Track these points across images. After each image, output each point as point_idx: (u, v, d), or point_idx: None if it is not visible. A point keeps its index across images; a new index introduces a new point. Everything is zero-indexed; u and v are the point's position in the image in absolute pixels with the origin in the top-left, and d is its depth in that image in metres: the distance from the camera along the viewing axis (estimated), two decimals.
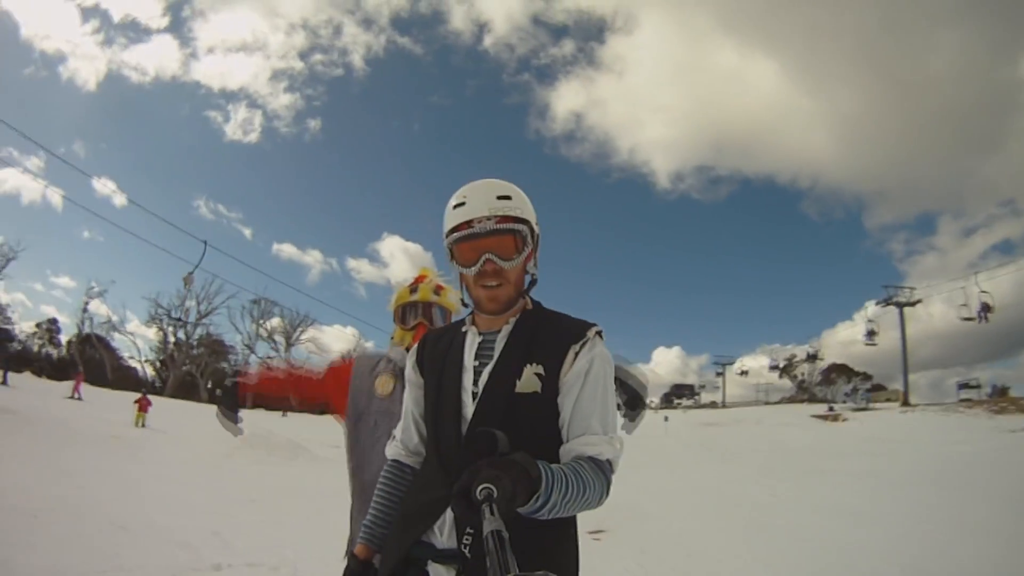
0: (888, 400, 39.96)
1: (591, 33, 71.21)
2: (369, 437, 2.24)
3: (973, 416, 25.10)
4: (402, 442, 1.58)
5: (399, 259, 65.59)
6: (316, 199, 77.69)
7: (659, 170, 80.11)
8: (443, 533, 1.31)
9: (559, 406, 1.34)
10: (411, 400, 1.58)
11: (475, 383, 1.39)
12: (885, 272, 67.97)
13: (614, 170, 71.58)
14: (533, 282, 1.46)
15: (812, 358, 52.84)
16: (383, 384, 2.26)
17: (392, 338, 2.41)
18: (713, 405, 57.25)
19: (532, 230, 1.41)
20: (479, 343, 1.44)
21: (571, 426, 1.32)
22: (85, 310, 52.51)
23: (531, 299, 1.50)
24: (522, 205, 1.40)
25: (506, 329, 1.42)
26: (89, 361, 49.06)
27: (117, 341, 55.14)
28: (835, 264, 71.17)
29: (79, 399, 24.73)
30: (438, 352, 1.51)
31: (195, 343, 55.99)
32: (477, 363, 1.41)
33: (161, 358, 55.28)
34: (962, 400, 33.18)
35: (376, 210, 79.48)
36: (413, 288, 2.36)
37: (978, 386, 36.71)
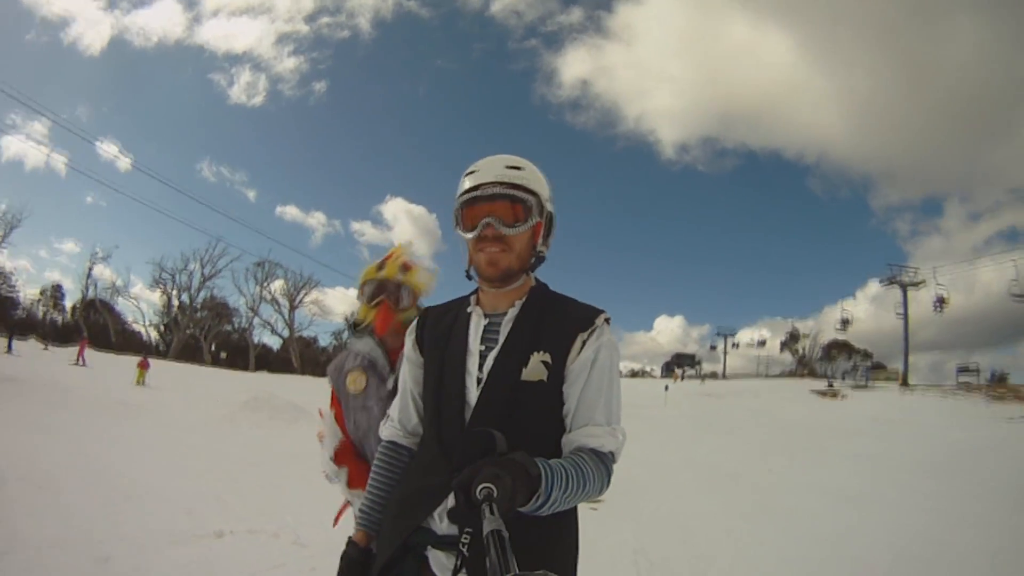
0: (887, 379, 40.03)
1: (600, 1, 69.93)
2: (356, 436, 2.22)
3: (971, 402, 25.06)
4: (399, 422, 1.55)
5: (403, 221, 65.67)
6: (320, 162, 77.46)
7: (665, 140, 79.13)
8: (442, 519, 1.30)
9: (564, 395, 1.33)
10: (410, 378, 1.54)
11: (480, 368, 1.36)
12: (889, 251, 67.14)
13: (620, 138, 70.99)
14: (540, 259, 1.43)
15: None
16: (354, 381, 2.22)
17: (357, 326, 2.37)
18: (713, 376, 57.42)
19: (541, 205, 1.38)
20: (485, 326, 1.41)
21: (575, 416, 1.32)
22: (89, 275, 53.08)
23: (537, 280, 1.48)
24: (532, 178, 1.39)
25: (512, 312, 1.40)
26: (93, 326, 49.54)
27: (121, 306, 55.71)
28: (839, 241, 70.92)
29: (84, 365, 24.98)
30: (440, 331, 1.48)
31: (199, 306, 56.29)
32: (483, 347, 1.39)
33: (165, 322, 55.74)
34: (960, 383, 33.28)
35: (380, 173, 79.62)
36: (380, 265, 2.30)
37: (977, 371, 36.79)
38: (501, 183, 1.35)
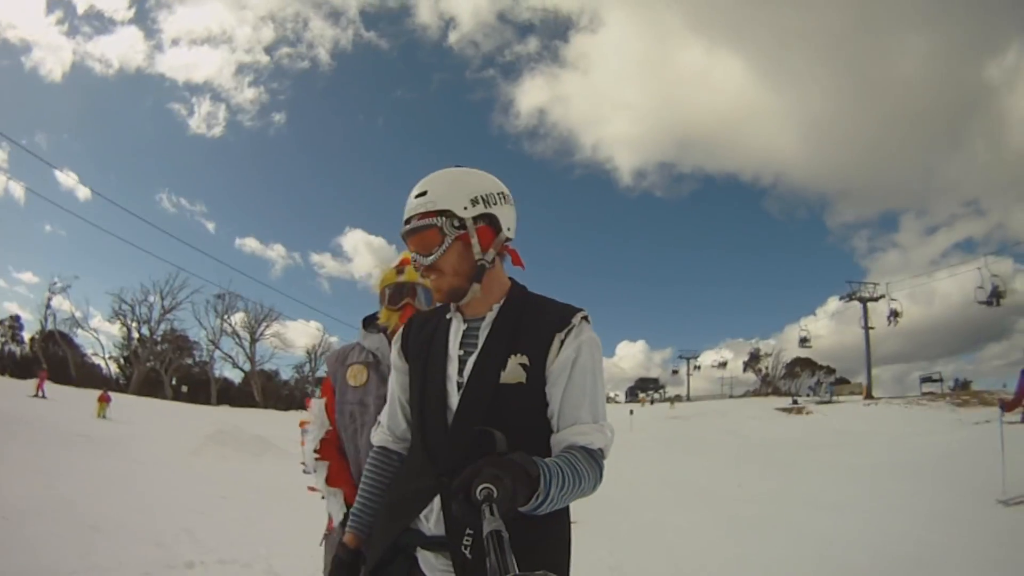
0: (852, 393, 40.84)
1: (556, 31, 71.25)
2: (346, 430, 2.18)
3: (936, 409, 25.51)
4: (388, 428, 1.58)
5: (362, 253, 65.09)
6: (280, 193, 76.92)
7: (622, 166, 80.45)
8: (430, 520, 1.33)
9: (547, 396, 1.34)
10: (397, 386, 1.57)
11: (460, 373, 1.38)
12: (847, 268, 69.36)
13: (577, 166, 72.44)
14: (482, 268, 1.39)
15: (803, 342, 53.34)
16: (355, 374, 2.20)
17: (369, 322, 2.35)
18: (678, 399, 57.96)
19: (459, 217, 1.35)
20: (464, 331, 1.43)
21: (561, 416, 1.32)
22: (48, 306, 51.24)
23: (516, 283, 1.49)
24: (440, 195, 1.36)
25: (489, 316, 1.41)
26: (52, 358, 47.83)
27: (80, 338, 53.85)
28: (797, 260, 72.72)
29: (43, 397, 24.18)
30: (423, 338, 1.50)
31: (159, 339, 54.97)
32: (462, 352, 1.41)
33: (125, 355, 54.16)
34: (924, 393, 34.03)
35: (339, 204, 78.95)
36: (400, 269, 2.29)
37: (940, 380, 37.72)
38: (413, 216, 1.37)
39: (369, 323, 2.34)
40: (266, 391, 56.10)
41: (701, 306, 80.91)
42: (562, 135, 75.24)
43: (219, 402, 50.47)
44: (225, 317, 55.85)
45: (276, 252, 69.01)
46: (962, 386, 37.29)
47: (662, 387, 64.23)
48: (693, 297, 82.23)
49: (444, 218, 1.35)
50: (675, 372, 62.01)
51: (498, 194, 1.42)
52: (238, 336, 56.84)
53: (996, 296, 34.56)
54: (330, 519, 2.15)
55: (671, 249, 77.17)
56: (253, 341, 56.72)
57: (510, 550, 0.80)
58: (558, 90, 73.83)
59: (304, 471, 2.22)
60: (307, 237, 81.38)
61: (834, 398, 39.58)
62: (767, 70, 69.51)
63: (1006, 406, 8.40)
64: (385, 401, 2.08)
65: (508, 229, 1.44)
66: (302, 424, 2.27)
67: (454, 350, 1.42)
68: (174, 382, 53.14)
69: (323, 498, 2.16)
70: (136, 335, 53.86)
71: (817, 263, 70.32)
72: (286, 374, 62.52)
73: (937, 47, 56.38)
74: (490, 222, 1.40)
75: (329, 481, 2.12)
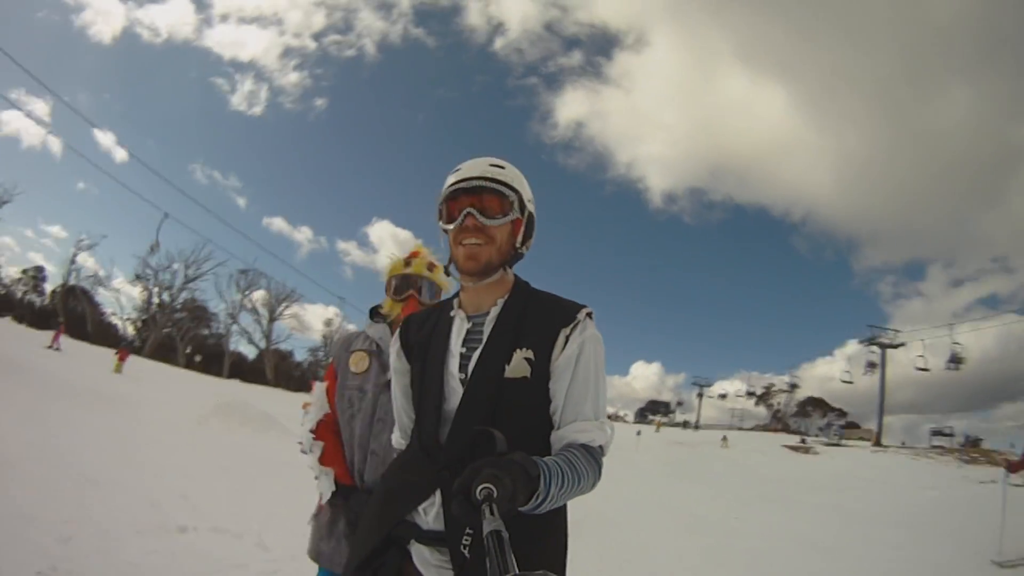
0: (861, 439, 40.23)
1: (602, 47, 72.10)
2: (343, 414, 2.20)
3: (944, 463, 25.18)
4: (401, 432, 1.59)
5: (388, 245, 65.73)
6: (313, 177, 78.03)
7: (653, 187, 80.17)
8: (429, 515, 1.32)
9: (550, 391, 1.34)
10: (399, 390, 1.57)
11: (462, 369, 1.38)
12: (869, 312, 68.78)
13: (609, 183, 72.65)
14: (518, 256, 1.45)
15: (792, 387, 53.40)
16: (357, 361, 2.23)
17: (375, 312, 2.38)
18: (686, 425, 57.51)
19: (523, 203, 1.41)
20: (468, 329, 1.43)
21: (563, 412, 1.32)
22: (73, 261, 52.24)
23: (519, 279, 1.49)
24: (515, 176, 1.42)
25: (494, 311, 1.41)
26: (71, 313, 48.74)
27: (101, 296, 54.94)
28: (820, 299, 72.01)
29: (58, 350, 24.57)
30: (422, 336, 1.50)
31: (179, 306, 55.71)
32: (464, 349, 1.40)
33: (143, 318, 54.95)
34: (934, 446, 33.55)
35: (370, 194, 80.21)
36: (407, 261, 2.35)
37: (951, 434, 37.05)
38: (486, 177, 1.38)
39: (375, 312, 2.38)
40: (279, 370, 56.63)
41: (719, 334, 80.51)
42: (597, 150, 76.24)
43: (231, 375, 50.99)
44: (246, 293, 56.56)
45: (303, 235, 70.33)
46: (972, 443, 36.51)
47: (672, 411, 63.71)
48: (713, 325, 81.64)
49: (516, 195, 1.40)
50: (700, 396, 61.18)
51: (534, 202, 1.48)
52: (257, 313, 57.62)
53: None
54: (320, 498, 2.17)
55: (695, 275, 76.99)
56: (271, 319, 57.42)
57: (510, 550, 0.80)
58: (598, 105, 73.69)
59: (301, 450, 2.25)
60: (335, 223, 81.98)
61: (843, 441, 39.00)
62: (809, 106, 69.22)
63: (1011, 467, 8.31)
64: (383, 388, 2.11)
65: (531, 238, 1.48)
66: (304, 405, 2.32)
67: (456, 346, 1.42)
68: (188, 351, 53.80)
69: (316, 478, 2.17)
70: (156, 300, 54.68)
71: (839, 304, 69.66)
72: (300, 355, 63.38)
73: (982, 99, 55.44)
74: (531, 224, 1.46)
75: (322, 460, 2.14)
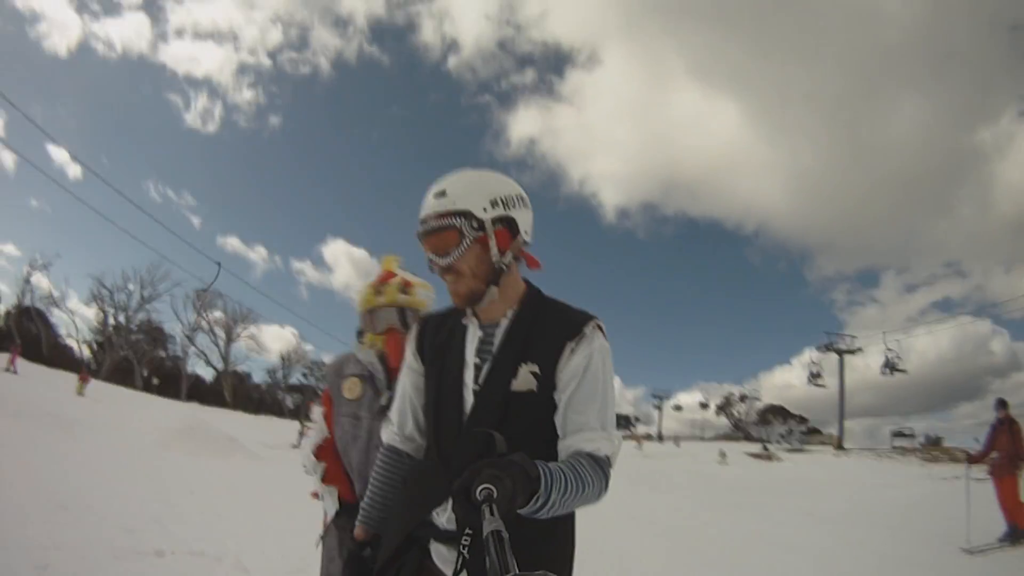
0: (823, 443, 41.07)
1: (555, 65, 72.99)
2: (340, 441, 2.21)
3: (906, 463, 25.74)
4: (398, 427, 1.60)
5: (343, 264, 65.27)
6: (267, 196, 77.25)
7: (607, 203, 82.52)
8: (443, 515, 1.38)
9: (557, 402, 1.35)
10: (410, 385, 1.58)
11: (476, 380, 1.41)
12: (824, 320, 70.36)
13: (562, 199, 73.53)
14: (504, 267, 1.41)
15: (746, 398, 54.48)
16: (350, 387, 2.21)
17: (360, 341, 2.36)
18: (648, 438, 57.99)
19: (477, 219, 1.36)
20: (480, 338, 1.45)
21: (569, 422, 1.33)
22: (27, 281, 50.45)
23: (531, 286, 1.50)
24: (459, 195, 1.37)
25: (504, 324, 1.43)
26: (26, 334, 47.00)
27: (55, 317, 53.07)
28: (775, 309, 73.77)
29: (14, 372, 23.87)
30: (439, 342, 1.52)
31: (135, 328, 54.22)
32: (478, 360, 1.43)
33: (99, 340, 53.31)
34: (895, 447, 34.35)
35: (325, 212, 79.59)
36: (378, 290, 2.23)
37: (912, 435, 37.99)
38: (431, 216, 1.37)
39: (362, 336, 2.36)
40: (237, 392, 55.55)
41: (677, 348, 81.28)
42: (550, 167, 77.87)
43: (189, 398, 49.77)
44: (203, 313, 55.45)
45: (258, 254, 69.39)
46: (933, 443, 37.62)
47: (633, 425, 64.13)
48: (670, 338, 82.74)
49: (463, 219, 1.35)
50: (658, 408, 61.97)
51: (516, 196, 1.44)
52: (214, 334, 56.52)
53: (891, 367, 36.89)
54: (325, 515, 2.19)
55: (650, 289, 77.99)
56: (229, 340, 56.32)
57: (510, 550, 0.79)
58: (551, 122, 75.44)
59: (305, 472, 2.26)
60: (290, 242, 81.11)
61: (805, 447, 39.76)
62: (762, 121, 70.99)
63: (972, 459, 8.63)
64: (377, 415, 2.09)
65: (525, 232, 1.45)
66: (305, 430, 2.31)
67: (471, 357, 1.44)
68: (146, 373, 52.35)
69: (319, 498, 2.21)
70: (112, 321, 53.13)
71: (794, 314, 71.42)
72: (258, 377, 62.16)
73: (932, 112, 58.03)
74: (508, 225, 1.41)
75: (325, 480, 2.17)
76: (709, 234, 72.49)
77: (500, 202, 1.40)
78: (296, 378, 61.53)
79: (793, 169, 66.24)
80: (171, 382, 52.77)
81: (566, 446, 1.32)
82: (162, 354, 57.15)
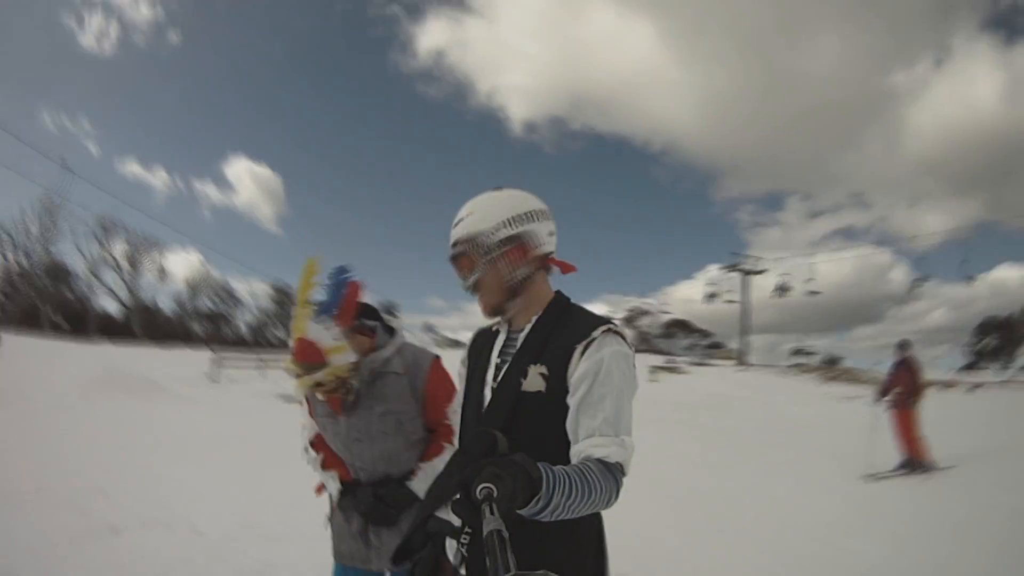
0: (725, 358, 43.26)
1: None
2: (324, 437, 2.38)
3: (805, 380, 26.63)
4: (454, 425, 1.80)
5: (246, 183, 62.69)
6: (167, 116, 70.77)
7: (514, 116, 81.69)
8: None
9: (568, 406, 1.37)
10: (461, 388, 1.71)
11: (495, 379, 1.50)
12: (728, 239, 72.27)
13: (469, 111, 71.57)
14: (523, 279, 1.51)
15: (650, 312, 56.40)
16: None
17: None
18: None
19: (486, 243, 1.48)
20: (505, 340, 1.57)
21: (579, 427, 1.33)
22: None
23: (559, 296, 1.58)
24: (474, 220, 1.50)
25: (527, 328, 1.52)
26: None
27: None
28: (680, 226, 74.12)
29: None
30: (478, 347, 1.65)
31: (39, 271, 50.27)
32: (499, 360, 1.53)
33: (5, 289, 49.11)
34: (796, 364, 35.92)
35: (227, 129, 73.94)
36: (296, 373, 2.09)
37: (812, 353, 39.82)
38: (451, 244, 1.53)
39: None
40: (148, 325, 53.27)
41: (582, 262, 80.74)
42: (458, 80, 76.10)
43: (100, 335, 47.28)
44: (106, 245, 52.17)
45: (159, 178, 64.93)
46: (831, 362, 39.80)
47: None
48: (575, 252, 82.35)
49: (473, 245, 1.49)
50: None
51: (527, 213, 1.52)
52: (119, 267, 53.41)
53: (782, 289, 37.96)
54: (330, 499, 2.40)
55: (556, 203, 74.27)
56: (134, 271, 53.52)
57: (510, 549, 0.80)
58: (459, 35, 72.02)
59: (307, 462, 2.44)
60: (190, 161, 75.61)
61: (708, 360, 41.53)
62: (679, 44, 69.51)
63: (882, 391, 9.12)
64: (351, 409, 2.29)
65: (542, 244, 1.54)
66: (303, 425, 2.47)
67: (495, 358, 1.55)
68: (52, 316, 49.05)
69: (324, 488, 2.41)
70: (16, 268, 48.98)
71: (699, 231, 72.78)
72: (165, 306, 59.63)
73: (850, 49, 58.85)
74: (520, 242, 1.50)
75: (325, 466, 2.36)
76: (616, 150, 71.64)
77: (510, 223, 1.49)
78: (204, 304, 59.72)
79: (706, 92, 66.35)
80: (79, 321, 49.86)
81: (577, 451, 1.32)
82: (68, 294, 53.65)
